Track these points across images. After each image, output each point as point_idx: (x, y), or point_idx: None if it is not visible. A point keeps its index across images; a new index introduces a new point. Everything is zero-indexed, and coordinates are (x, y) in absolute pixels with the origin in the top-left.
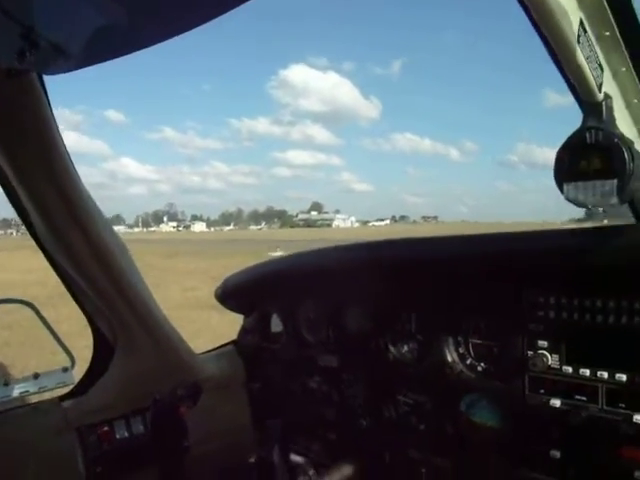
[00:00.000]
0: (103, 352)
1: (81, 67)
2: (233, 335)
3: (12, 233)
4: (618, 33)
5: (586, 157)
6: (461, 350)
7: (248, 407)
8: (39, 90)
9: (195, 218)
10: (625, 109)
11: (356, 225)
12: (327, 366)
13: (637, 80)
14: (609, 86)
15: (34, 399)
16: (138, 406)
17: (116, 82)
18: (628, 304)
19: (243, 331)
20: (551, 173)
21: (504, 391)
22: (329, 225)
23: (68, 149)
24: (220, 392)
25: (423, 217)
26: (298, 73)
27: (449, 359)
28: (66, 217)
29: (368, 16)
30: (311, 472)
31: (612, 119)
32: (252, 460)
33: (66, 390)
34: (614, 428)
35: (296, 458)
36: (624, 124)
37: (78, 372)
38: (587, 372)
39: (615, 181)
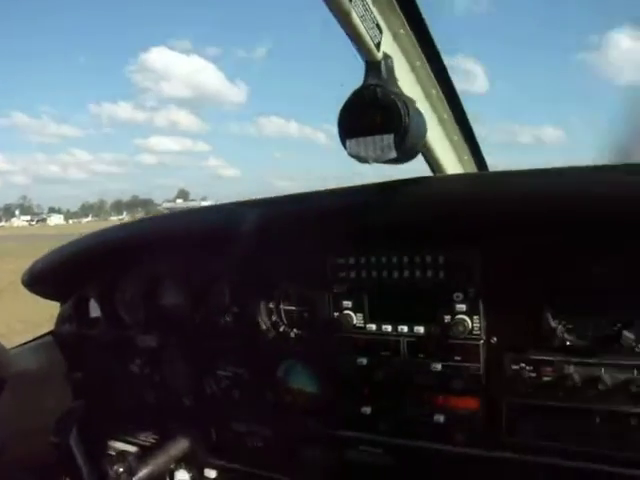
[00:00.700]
0: None
1: None
2: None
3: None
4: None
5: (366, 114)
6: (274, 318)
7: (70, 399)
8: None
9: (53, 211)
10: (410, 71)
11: None
12: (146, 347)
13: (417, 43)
14: (390, 47)
15: None
16: None
17: None
18: (420, 259)
19: (60, 319)
20: None
21: (316, 355)
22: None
23: None
24: (37, 386)
25: None
26: (159, 56)
27: (263, 327)
28: None
29: None
30: (131, 457)
31: (393, 78)
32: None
33: None
34: (416, 378)
35: (116, 444)
36: (408, 84)
37: None
38: (389, 328)
39: (392, 135)
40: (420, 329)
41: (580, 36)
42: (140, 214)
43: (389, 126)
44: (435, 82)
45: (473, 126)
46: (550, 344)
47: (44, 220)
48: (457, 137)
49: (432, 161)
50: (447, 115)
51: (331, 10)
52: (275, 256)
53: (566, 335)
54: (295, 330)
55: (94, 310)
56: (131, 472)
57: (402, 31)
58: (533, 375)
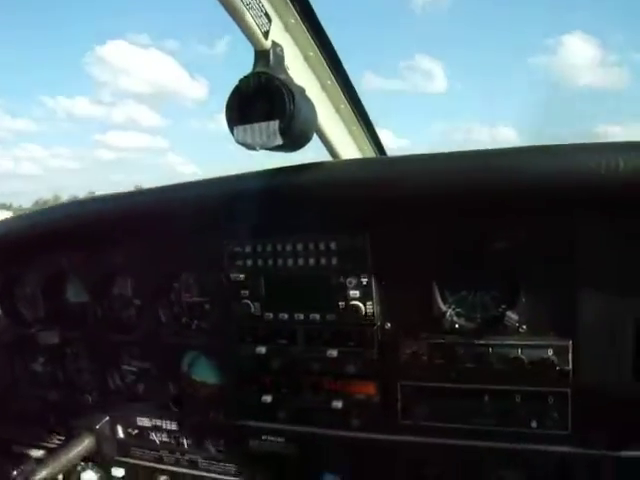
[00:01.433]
0: None
1: None
2: None
3: None
4: None
5: (252, 101)
6: (176, 309)
7: None
8: None
9: (3, 207)
10: (303, 61)
11: None
12: (48, 344)
13: (309, 34)
14: (281, 36)
15: None
16: None
17: None
18: (314, 246)
19: None
20: None
21: (217, 345)
22: None
23: None
24: None
25: None
26: (117, 50)
27: (164, 320)
28: None
29: None
30: (31, 460)
31: (282, 67)
32: None
33: None
34: (313, 365)
35: (18, 449)
36: (300, 74)
37: None
38: (286, 316)
39: (278, 122)
40: (316, 316)
41: (536, 39)
42: None
43: (274, 113)
44: (329, 72)
45: (370, 115)
46: (441, 327)
47: None
48: (355, 126)
49: (331, 150)
50: (344, 105)
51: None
52: (174, 246)
53: (455, 318)
54: (196, 321)
55: None
56: (28, 476)
57: (293, 20)
58: (425, 358)
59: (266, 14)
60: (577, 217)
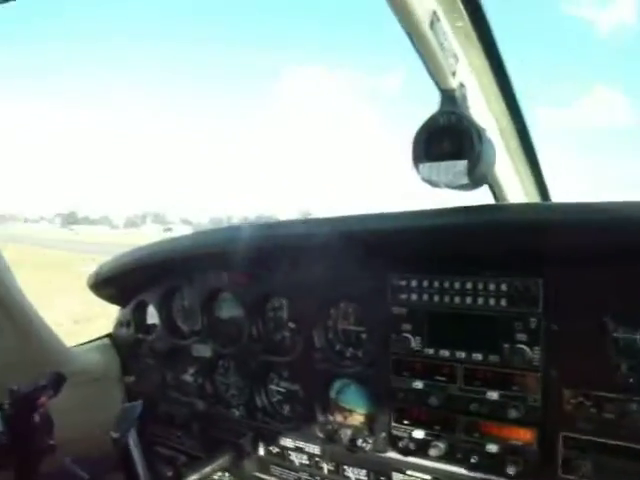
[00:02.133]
0: None
1: None
2: None
3: None
4: (471, 25)
5: (440, 140)
6: (330, 336)
7: (122, 401)
8: None
9: (185, 222)
10: (484, 101)
11: None
12: (201, 356)
13: (492, 75)
14: (466, 76)
15: None
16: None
17: None
18: (483, 286)
19: (118, 323)
20: None
21: (370, 375)
22: None
23: None
24: (93, 385)
25: None
26: None
27: (318, 345)
28: None
29: None
30: (179, 464)
31: (466, 106)
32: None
33: None
34: (471, 405)
35: (165, 451)
36: (480, 113)
37: None
38: (447, 353)
39: (465, 162)
40: (478, 356)
41: None
42: None
43: (462, 153)
44: (507, 113)
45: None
46: (612, 381)
47: (170, 230)
48: (523, 167)
49: (496, 189)
50: (516, 145)
51: (409, 36)
52: (336, 274)
53: (629, 372)
54: (351, 349)
55: (152, 316)
56: (179, 477)
57: (478, 62)
58: (593, 411)
59: (454, 55)
60: None
